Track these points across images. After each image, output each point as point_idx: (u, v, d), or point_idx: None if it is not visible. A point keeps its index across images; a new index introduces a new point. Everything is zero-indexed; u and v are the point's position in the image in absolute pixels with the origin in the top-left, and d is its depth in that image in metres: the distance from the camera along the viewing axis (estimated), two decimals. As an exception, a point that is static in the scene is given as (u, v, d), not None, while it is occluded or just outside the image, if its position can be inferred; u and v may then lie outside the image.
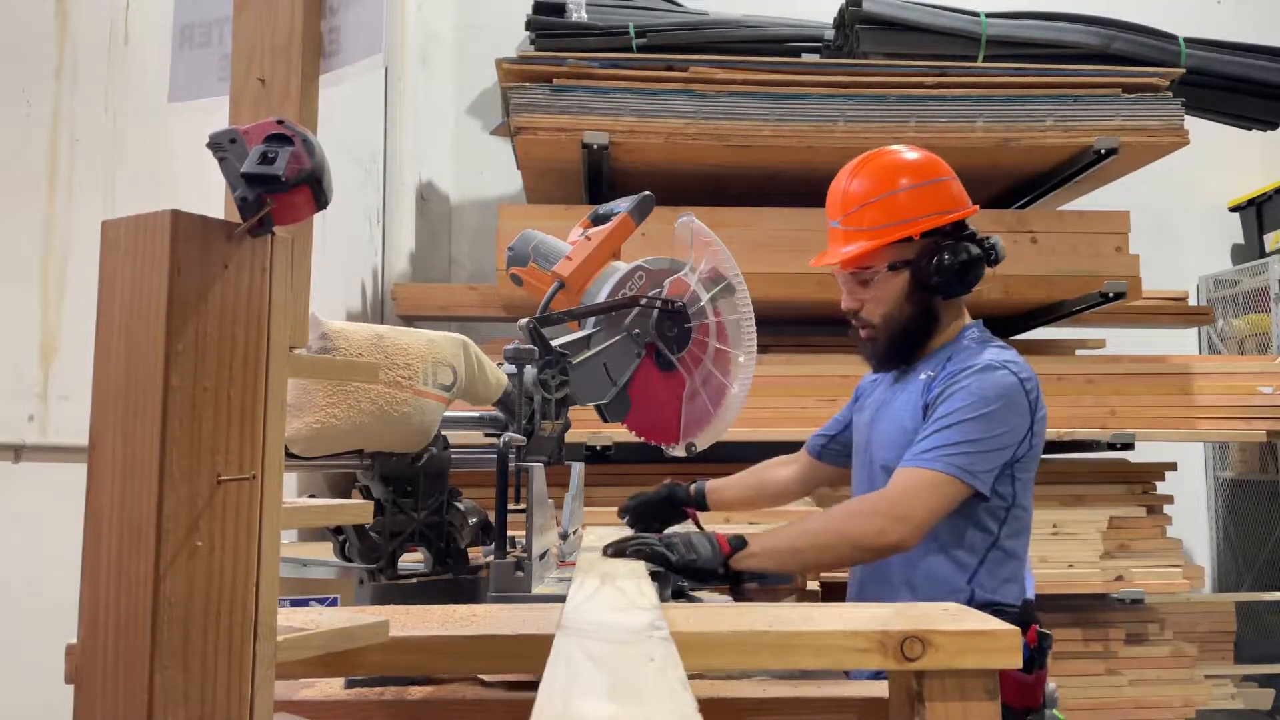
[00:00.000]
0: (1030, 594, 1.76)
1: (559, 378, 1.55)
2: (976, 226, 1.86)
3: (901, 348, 1.83)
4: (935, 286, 1.76)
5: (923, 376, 1.78)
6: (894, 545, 1.59)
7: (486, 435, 1.60)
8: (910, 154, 1.84)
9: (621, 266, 1.73)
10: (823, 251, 1.89)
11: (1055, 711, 1.54)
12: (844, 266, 1.82)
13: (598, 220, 1.82)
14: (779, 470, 2.18)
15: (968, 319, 1.86)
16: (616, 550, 1.47)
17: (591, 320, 1.67)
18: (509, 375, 1.53)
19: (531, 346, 1.53)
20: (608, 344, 1.65)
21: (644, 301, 1.67)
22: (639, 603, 0.97)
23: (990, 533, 1.69)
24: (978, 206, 1.86)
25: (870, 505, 1.64)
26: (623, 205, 1.77)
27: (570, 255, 1.74)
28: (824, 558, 1.71)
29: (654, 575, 1.39)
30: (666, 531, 1.58)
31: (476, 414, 1.56)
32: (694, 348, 1.73)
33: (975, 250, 1.75)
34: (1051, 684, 1.57)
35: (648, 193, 1.79)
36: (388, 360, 1.31)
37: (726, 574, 1.51)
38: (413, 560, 1.47)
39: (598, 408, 1.67)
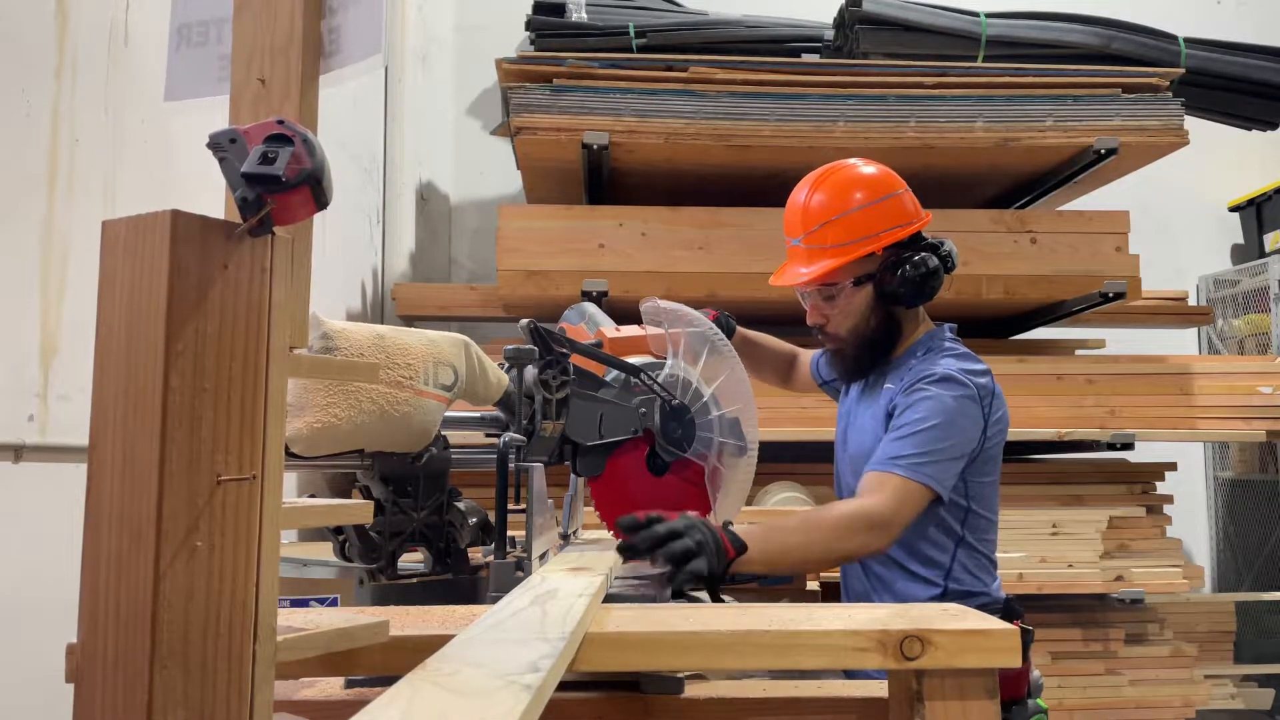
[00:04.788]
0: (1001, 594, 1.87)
1: (560, 378, 1.54)
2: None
3: (870, 357, 1.91)
4: (899, 297, 1.84)
5: (887, 387, 1.85)
6: (874, 552, 1.72)
7: (487, 435, 1.59)
8: (865, 168, 1.89)
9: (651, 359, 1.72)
10: (781, 268, 1.94)
11: (1039, 700, 1.58)
12: (809, 285, 1.87)
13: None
14: (785, 353, 2.28)
15: (929, 324, 1.93)
16: (634, 547, 1.46)
17: (611, 375, 1.66)
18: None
19: (532, 347, 1.52)
20: (614, 400, 1.63)
21: (646, 380, 1.64)
22: (547, 632, 0.88)
23: (956, 531, 1.80)
24: (930, 215, 1.92)
25: (854, 514, 1.68)
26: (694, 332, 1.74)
27: (619, 329, 1.77)
28: (809, 567, 1.88)
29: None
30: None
31: (477, 414, 1.55)
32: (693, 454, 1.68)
33: (934, 261, 1.82)
34: (1035, 672, 1.65)
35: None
36: (389, 360, 1.31)
37: (722, 577, 1.51)
38: (413, 560, 1.47)
39: (574, 453, 1.63)
